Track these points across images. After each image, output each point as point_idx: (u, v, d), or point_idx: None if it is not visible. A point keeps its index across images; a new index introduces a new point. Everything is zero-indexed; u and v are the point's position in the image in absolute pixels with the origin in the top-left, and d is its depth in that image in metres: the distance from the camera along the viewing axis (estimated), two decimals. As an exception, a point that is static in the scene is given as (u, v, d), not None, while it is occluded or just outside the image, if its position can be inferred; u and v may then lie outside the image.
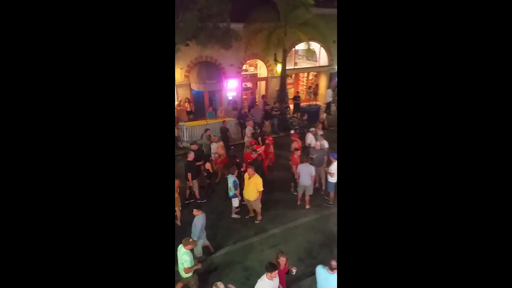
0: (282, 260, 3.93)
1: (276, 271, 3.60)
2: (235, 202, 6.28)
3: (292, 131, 8.78)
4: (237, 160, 7.04)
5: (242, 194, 6.12)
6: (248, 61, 12.46)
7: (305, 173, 6.36)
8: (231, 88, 11.99)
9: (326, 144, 7.32)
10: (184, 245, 4.10)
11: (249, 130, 8.81)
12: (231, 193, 6.13)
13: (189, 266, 4.08)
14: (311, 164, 6.52)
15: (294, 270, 3.98)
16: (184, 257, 4.06)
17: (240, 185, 6.16)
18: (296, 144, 7.43)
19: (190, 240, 4.18)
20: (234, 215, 6.44)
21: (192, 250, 4.25)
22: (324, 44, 12.77)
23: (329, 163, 6.65)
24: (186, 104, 11.02)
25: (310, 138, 7.98)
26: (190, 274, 4.20)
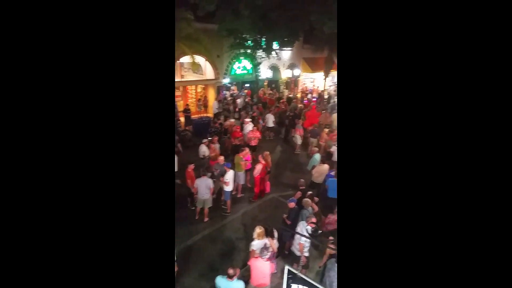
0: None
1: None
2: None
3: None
4: None
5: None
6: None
7: (203, 187, 6.35)
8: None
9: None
10: None
11: None
12: None
13: None
14: (209, 177, 6.57)
15: None
16: None
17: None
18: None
19: None
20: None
21: None
22: (209, 58, 13.22)
23: (223, 173, 6.87)
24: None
25: (203, 150, 8.04)
26: None
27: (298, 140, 10.88)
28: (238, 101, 13.99)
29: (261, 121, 11.84)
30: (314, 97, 17.24)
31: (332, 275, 4.08)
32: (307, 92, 18.55)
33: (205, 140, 8.33)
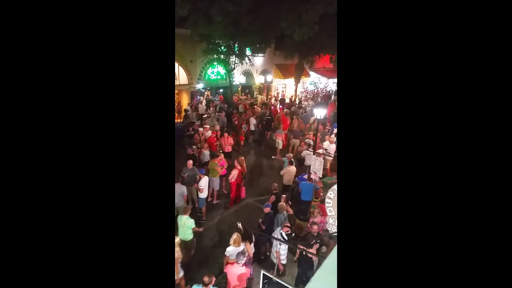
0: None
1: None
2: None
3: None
4: None
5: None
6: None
7: (177, 194, 6.26)
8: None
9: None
10: (184, 213, 5.26)
11: None
12: None
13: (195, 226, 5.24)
14: (182, 183, 6.49)
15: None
16: (189, 221, 5.18)
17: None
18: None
19: (187, 207, 5.46)
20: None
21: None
22: (182, 63, 13.09)
23: (199, 180, 6.82)
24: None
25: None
26: (191, 237, 5.26)
27: (280, 144, 10.98)
28: (200, 106, 13.83)
29: (244, 126, 11.88)
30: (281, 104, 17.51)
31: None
32: (273, 98, 18.87)
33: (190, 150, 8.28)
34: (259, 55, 17.05)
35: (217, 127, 10.51)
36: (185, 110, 12.99)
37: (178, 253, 4.50)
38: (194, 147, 8.69)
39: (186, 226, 5.19)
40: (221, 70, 16.08)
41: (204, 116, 12.88)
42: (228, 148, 9.41)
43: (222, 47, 13.82)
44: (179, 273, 4.63)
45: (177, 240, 4.60)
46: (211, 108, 13.99)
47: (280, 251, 4.89)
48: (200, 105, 13.84)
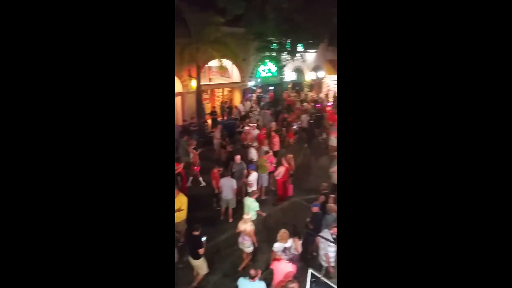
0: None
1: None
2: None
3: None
4: None
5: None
6: (160, 77, 12.08)
7: (227, 187, 6.54)
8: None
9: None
10: (251, 196, 5.88)
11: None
12: None
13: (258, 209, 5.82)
14: (232, 177, 6.75)
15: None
16: (253, 204, 5.76)
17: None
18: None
19: (254, 191, 6.11)
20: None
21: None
22: (235, 62, 13.46)
23: (248, 175, 7.01)
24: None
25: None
26: (254, 218, 5.69)
27: (334, 142, 10.64)
28: (241, 106, 13.88)
29: (296, 123, 11.83)
30: (329, 101, 16.86)
31: None
32: (324, 94, 18.24)
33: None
34: (311, 51, 16.68)
35: (266, 124, 10.60)
36: (228, 108, 13.42)
37: (251, 226, 5.07)
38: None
39: (250, 208, 5.77)
40: (272, 67, 16.14)
41: (249, 113, 13.11)
42: (275, 147, 9.38)
43: (275, 44, 13.85)
44: (250, 248, 5.21)
45: (248, 216, 5.18)
46: (253, 105, 14.15)
47: (329, 253, 4.80)
48: (244, 103, 14.07)
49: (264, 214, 6.23)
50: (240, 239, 5.21)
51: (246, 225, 5.01)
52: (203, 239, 4.66)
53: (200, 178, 8.14)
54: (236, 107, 13.83)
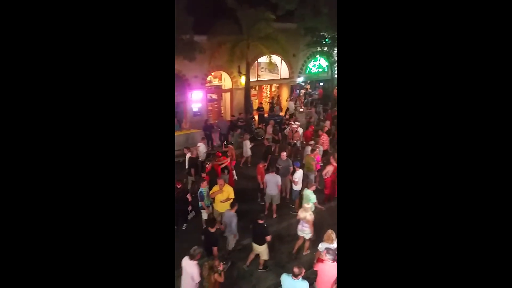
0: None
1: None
2: (204, 215, 6.22)
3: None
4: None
5: (213, 207, 6.08)
6: (212, 73, 12.54)
7: (272, 183, 6.53)
8: (195, 99, 11.93)
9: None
10: (309, 188, 6.03)
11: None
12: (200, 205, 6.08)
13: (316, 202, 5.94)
14: (277, 174, 6.72)
15: None
16: (311, 196, 5.84)
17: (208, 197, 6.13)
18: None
19: (313, 184, 6.28)
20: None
21: None
22: (284, 58, 13.33)
23: (293, 172, 6.91)
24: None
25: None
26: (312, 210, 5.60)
27: None
28: (291, 104, 13.57)
29: None
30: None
31: None
32: None
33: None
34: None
35: (314, 122, 10.31)
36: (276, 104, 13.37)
37: (311, 216, 5.27)
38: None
39: (310, 198, 5.86)
40: (323, 63, 15.63)
41: (296, 111, 12.88)
42: (324, 146, 9.05)
43: (327, 39, 13.39)
44: (309, 234, 5.40)
45: (308, 205, 5.42)
46: (297, 102, 13.84)
47: None
48: (292, 99, 13.84)
49: (322, 208, 6.39)
50: (299, 226, 5.48)
51: (307, 214, 5.28)
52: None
53: (234, 172, 8.22)
54: (281, 103, 13.73)
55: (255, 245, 5.12)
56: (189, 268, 3.96)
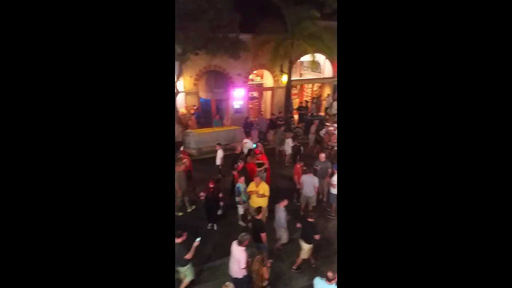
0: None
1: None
2: (240, 210, 6.39)
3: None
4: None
5: (249, 202, 6.22)
6: (255, 71, 12.69)
7: (309, 184, 6.46)
8: (237, 97, 12.20)
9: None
10: None
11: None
12: (237, 199, 6.26)
13: None
14: (314, 175, 6.63)
15: None
16: None
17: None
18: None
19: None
20: (240, 222, 6.53)
21: None
22: (328, 56, 12.99)
23: (332, 175, 6.76)
24: (192, 111, 11.23)
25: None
26: None
27: None
28: (334, 104, 13.11)
29: None
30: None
31: None
32: None
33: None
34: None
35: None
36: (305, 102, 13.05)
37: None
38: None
39: None
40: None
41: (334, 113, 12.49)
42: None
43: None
44: None
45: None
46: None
47: None
48: (334, 102, 13.43)
49: None
50: None
51: None
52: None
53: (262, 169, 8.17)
54: (322, 103, 13.41)
55: (302, 243, 5.13)
56: (237, 253, 4.21)
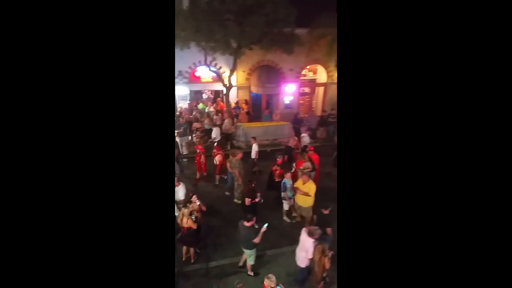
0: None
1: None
2: (285, 205, 6.35)
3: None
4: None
5: (294, 199, 6.16)
6: (308, 66, 12.43)
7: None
8: (288, 92, 12.10)
9: None
10: None
11: (307, 138, 8.87)
12: (283, 195, 6.23)
13: None
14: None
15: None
16: None
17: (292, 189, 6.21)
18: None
19: None
20: (285, 218, 6.51)
21: None
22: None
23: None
24: (244, 105, 11.44)
25: None
26: None
27: None
28: None
29: None
30: None
31: None
32: None
33: None
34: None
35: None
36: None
37: None
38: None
39: None
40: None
41: None
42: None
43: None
44: None
45: None
46: None
47: None
48: None
49: None
50: None
51: None
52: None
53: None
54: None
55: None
56: (306, 243, 4.33)
